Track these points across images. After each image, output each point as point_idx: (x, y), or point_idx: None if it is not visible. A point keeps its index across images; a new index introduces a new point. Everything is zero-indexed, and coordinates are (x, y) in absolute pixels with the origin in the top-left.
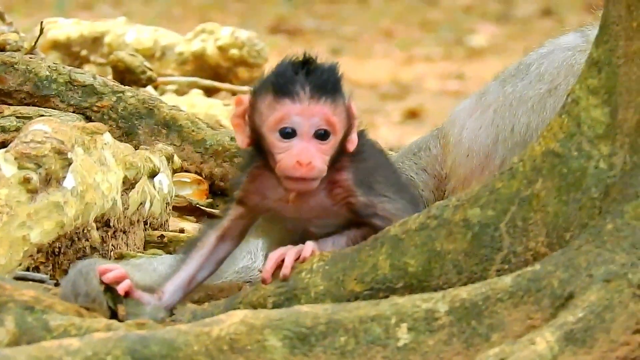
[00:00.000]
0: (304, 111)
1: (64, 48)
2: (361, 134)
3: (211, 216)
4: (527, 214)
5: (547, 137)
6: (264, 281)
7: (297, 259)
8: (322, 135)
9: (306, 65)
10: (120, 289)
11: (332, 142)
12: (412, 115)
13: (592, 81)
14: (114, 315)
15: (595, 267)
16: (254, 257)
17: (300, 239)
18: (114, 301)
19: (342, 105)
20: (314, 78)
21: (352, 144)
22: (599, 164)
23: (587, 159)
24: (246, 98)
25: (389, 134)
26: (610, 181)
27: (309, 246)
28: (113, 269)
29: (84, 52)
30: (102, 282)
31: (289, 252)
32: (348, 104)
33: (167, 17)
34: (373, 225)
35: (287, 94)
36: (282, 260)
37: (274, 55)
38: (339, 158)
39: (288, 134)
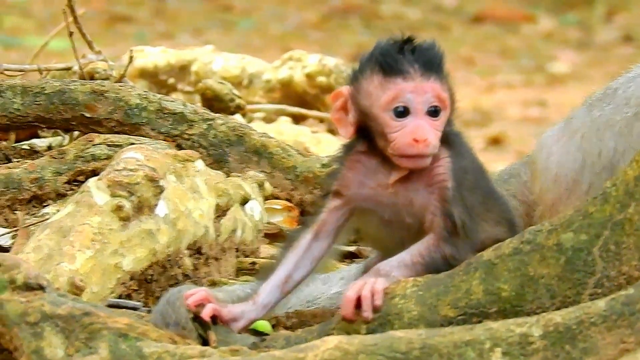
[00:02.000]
0: (417, 88)
1: (151, 76)
2: (459, 135)
3: None
4: (620, 238)
5: (639, 161)
6: (346, 319)
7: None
8: (433, 112)
9: (408, 43)
10: (205, 314)
11: (443, 118)
12: (495, 142)
13: None
14: (205, 342)
15: None
16: (347, 282)
17: (395, 234)
18: (203, 328)
19: (447, 83)
20: (420, 56)
21: (452, 124)
22: None
23: None
24: (344, 90)
25: None
26: None
27: (381, 284)
28: (196, 293)
29: (171, 81)
30: (189, 310)
31: (364, 294)
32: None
33: (247, 47)
34: (438, 225)
35: (398, 72)
36: (359, 297)
37: None
38: (441, 140)
39: (401, 112)
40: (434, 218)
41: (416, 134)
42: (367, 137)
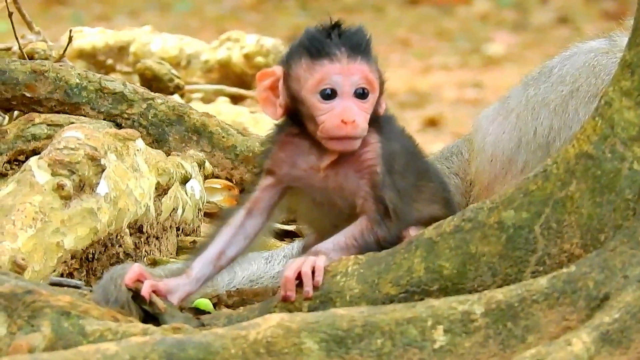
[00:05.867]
0: (343, 70)
1: (90, 57)
2: (391, 119)
3: None
4: (561, 216)
5: (580, 139)
6: (286, 299)
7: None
8: (361, 94)
9: (336, 28)
10: (145, 292)
11: (371, 100)
12: (432, 123)
13: (625, 83)
14: (147, 319)
15: (631, 268)
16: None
17: (328, 216)
18: (144, 304)
19: (375, 65)
20: (348, 39)
21: (382, 107)
22: (632, 166)
23: (620, 161)
24: (274, 70)
25: None
26: None
27: (321, 261)
28: (130, 270)
29: (109, 61)
30: (128, 289)
31: (305, 271)
32: (378, 67)
33: (183, 29)
34: (370, 209)
35: (325, 55)
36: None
37: None
38: (371, 124)
39: (328, 95)
40: (365, 202)
41: (344, 116)
42: (298, 120)
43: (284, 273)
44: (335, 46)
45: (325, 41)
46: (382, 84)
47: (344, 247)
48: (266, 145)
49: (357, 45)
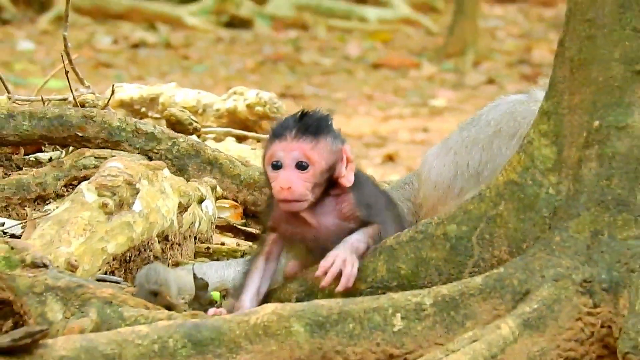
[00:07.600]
0: (286, 147)
1: (128, 106)
2: (365, 180)
3: (245, 232)
4: (492, 229)
5: (508, 169)
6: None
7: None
8: (301, 167)
9: (301, 115)
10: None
11: (312, 171)
12: (390, 159)
13: (543, 126)
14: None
15: (547, 270)
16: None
17: (317, 255)
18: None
19: (324, 145)
20: (301, 123)
21: (347, 180)
22: (548, 191)
23: (539, 187)
24: None
25: (372, 173)
26: (558, 204)
27: (353, 263)
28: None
29: (143, 109)
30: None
31: (347, 269)
32: (340, 148)
33: (200, 85)
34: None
35: (277, 135)
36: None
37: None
38: (338, 188)
39: (276, 166)
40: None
41: (282, 182)
42: None
43: (332, 267)
44: (287, 128)
45: (282, 125)
46: (341, 159)
47: (368, 239)
48: (266, 206)
49: (305, 128)
